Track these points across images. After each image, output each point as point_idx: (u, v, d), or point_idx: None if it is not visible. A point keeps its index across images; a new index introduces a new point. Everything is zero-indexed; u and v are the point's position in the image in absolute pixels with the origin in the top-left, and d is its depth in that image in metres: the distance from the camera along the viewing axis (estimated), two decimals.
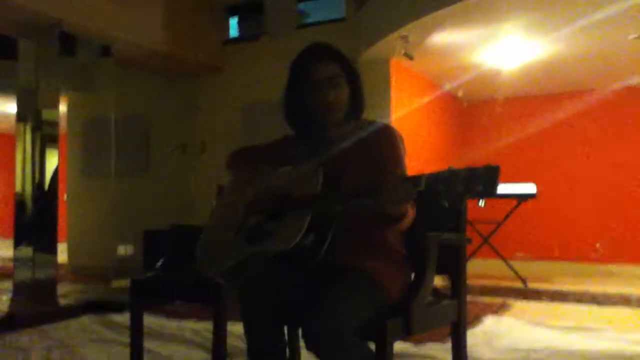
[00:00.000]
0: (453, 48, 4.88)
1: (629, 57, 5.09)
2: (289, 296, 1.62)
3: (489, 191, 1.35)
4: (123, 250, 5.63)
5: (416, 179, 1.46)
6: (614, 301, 4.41)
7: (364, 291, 1.60)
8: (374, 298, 1.63)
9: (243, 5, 6.11)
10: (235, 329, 2.90)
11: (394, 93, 5.09)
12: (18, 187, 4.52)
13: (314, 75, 1.76)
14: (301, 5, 5.85)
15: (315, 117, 1.79)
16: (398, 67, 5.15)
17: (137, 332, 2.22)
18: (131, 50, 5.16)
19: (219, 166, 2.26)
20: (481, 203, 1.51)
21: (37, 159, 4.41)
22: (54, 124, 4.53)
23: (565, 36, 4.48)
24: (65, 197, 6.26)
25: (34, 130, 4.44)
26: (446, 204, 1.68)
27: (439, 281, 1.99)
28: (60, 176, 4.66)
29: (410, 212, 1.66)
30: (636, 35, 4.45)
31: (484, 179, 1.35)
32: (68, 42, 4.78)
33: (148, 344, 2.62)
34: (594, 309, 4.20)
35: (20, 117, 4.54)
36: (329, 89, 1.76)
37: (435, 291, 1.91)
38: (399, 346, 2.85)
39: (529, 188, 5.24)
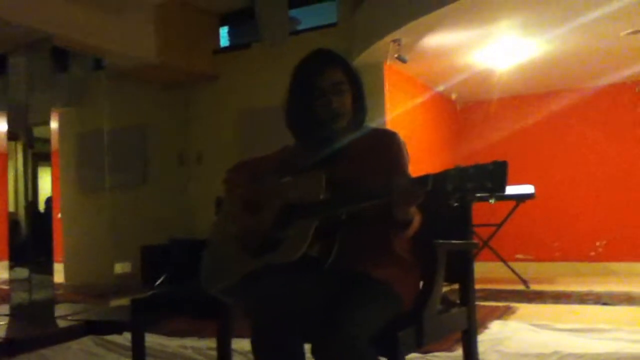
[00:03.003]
0: (446, 50, 4.86)
1: (623, 53, 5.09)
2: (301, 306, 1.56)
3: (499, 187, 1.32)
4: (120, 267, 5.55)
5: (423, 180, 1.43)
6: (618, 300, 4.38)
7: (380, 300, 1.57)
8: (390, 306, 1.59)
9: (234, 14, 6.07)
10: (238, 345, 2.86)
11: (387, 96, 5.06)
12: (11, 207, 4.46)
13: (318, 82, 1.73)
14: (293, 12, 5.82)
15: (319, 124, 1.75)
16: (391, 70, 5.12)
17: (139, 353, 2.17)
18: (124, 62, 5.12)
19: (216, 176, 2.20)
20: (492, 200, 1.49)
21: (29, 177, 4.35)
22: (46, 141, 4.48)
23: (560, 35, 4.47)
24: (59, 215, 6.17)
25: (25, 148, 4.38)
26: (455, 203, 1.64)
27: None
28: (54, 194, 4.59)
29: (417, 218, 1.63)
30: (630, 31, 4.45)
31: (492, 175, 1.33)
32: (60, 57, 4.72)
33: None
34: (599, 309, 4.16)
35: (12, 135, 4.49)
36: (334, 95, 1.73)
37: (444, 299, 1.87)
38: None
39: (527, 189, 5.21)
